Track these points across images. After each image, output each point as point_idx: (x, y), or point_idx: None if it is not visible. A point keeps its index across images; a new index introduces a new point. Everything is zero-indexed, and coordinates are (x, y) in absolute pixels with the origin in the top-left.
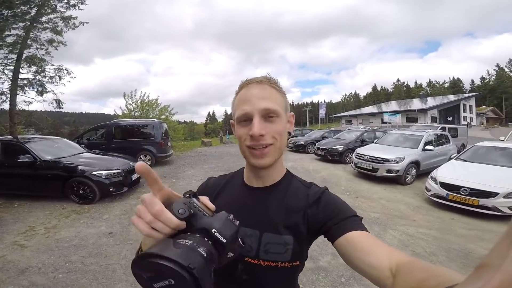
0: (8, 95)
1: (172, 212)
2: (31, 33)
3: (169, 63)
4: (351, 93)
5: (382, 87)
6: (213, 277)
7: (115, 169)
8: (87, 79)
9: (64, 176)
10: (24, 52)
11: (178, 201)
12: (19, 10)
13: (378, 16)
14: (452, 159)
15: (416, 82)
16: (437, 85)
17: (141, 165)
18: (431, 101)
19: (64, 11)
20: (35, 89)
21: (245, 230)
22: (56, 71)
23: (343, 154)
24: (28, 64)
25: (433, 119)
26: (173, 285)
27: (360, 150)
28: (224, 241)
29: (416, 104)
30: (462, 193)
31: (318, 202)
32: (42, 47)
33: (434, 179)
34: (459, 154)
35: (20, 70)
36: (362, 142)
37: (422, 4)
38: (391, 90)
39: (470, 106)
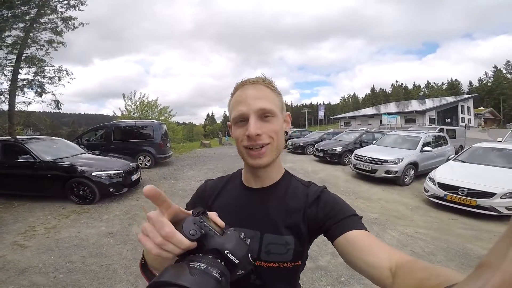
0: (7, 96)
1: (182, 232)
2: (31, 34)
3: (168, 64)
4: (350, 94)
5: (380, 88)
6: None
7: (115, 170)
8: (86, 80)
9: (64, 176)
10: (24, 52)
11: (188, 221)
12: (19, 10)
13: (376, 17)
14: (450, 160)
15: (414, 84)
16: (435, 87)
17: (149, 189)
18: (429, 103)
19: (64, 12)
20: (34, 90)
21: (245, 231)
22: (56, 72)
23: (342, 156)
24: (27, 65)
25: (432, 121)
26: None
27: (359, 152)
28: (237, 262)
29: (414, 105)
30: (460, 193)
31: (317, 201)
32: (42, 47)
33: (432, 180)
34: (457, 155)
35: (20, 70)
36: (361, 144)
37: (420, 5)
38: (389, 92)
39: (468, 108)
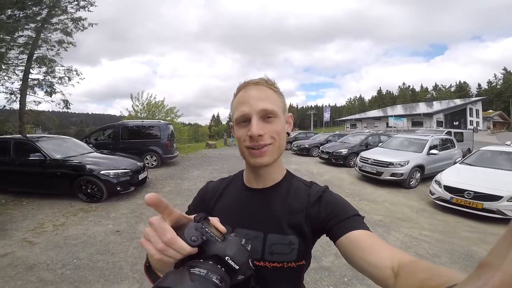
0: (18, 95)
1: (183, 238)
2: (42, 34)
3: (174, 65)
4: (356, 96)
5: (387, 90)
6: None
7: (123, 169)
8: (94, 80)
9: (73, 174)
10: (35, 52)
11: (190, 227)
12: (31, 11)
13: (383, 19)
14: (457, 163)
15: (422, 86)
16: (443, 89)
17: (151, 197)
18: (437, 105)
19: (74, 13)
20: (44, 90)
21: (248, 232)
22: (66, 72)
23: (347, 158)
24: (38, 65)
25: (439, 123)
26: None
27: (364, 154)
28: (237, 268)
29: (422, 108)
30: (466, 196)
31: (319, 201)
32: (53, 48)
33: (438, 183)
34: (464, 158)
35: (31, 70)
36: (367, 146)
37: (427, 7)
38: (396, 94)
39: (477, 110)
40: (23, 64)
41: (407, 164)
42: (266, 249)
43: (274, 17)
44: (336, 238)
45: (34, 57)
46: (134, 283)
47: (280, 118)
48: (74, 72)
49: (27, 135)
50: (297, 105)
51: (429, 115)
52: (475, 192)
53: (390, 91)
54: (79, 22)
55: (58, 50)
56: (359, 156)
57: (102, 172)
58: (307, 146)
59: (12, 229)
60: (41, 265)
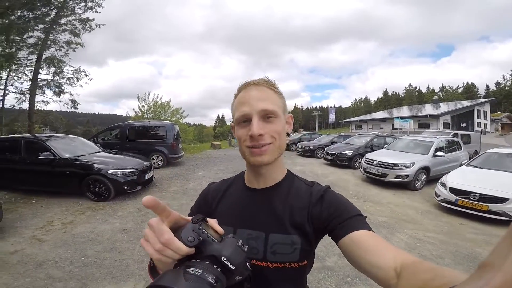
0: (28, 95)
1: (181, 239)
2: (50, 35)
3: (180, 65)
4: (361, 97)
5: (393, 92)
6: None
7: (130, 168)
8: (100, 81)
9: (81, 173)
10: (44, 53)
11: (187, 228)
12: (39, 12)
13: (388, 19)
14: (463, 165)
15: (428, 87)
16: (451, 90)
17: (148, 200)
18: (443, 107)
19: (81, 13)
20: (53, 90)
21: (250, 232)
22: (74, 73)
23: (352, 159)
24: (47, 65)
25: (446, 125)
26: None
27: (369, 155)
28: (233, 268)
29: (428, 109)
30: (471, 198)
31: (321, 201)
32: (61, 48)
33: (444, 185)
34: (470, 161)
35: (40, 71)
36: (372, 148)
37: (433, 7)
38: (402, 95)
39: (485, 112)
40: (32, 64)
41: (413, 166)
42: (268, 249)
43: (280, 18)
44: (338, 238)
45: (43, 58)
46: (141, 281)
47: (280, 118)
48: (83, 73)
49: (36, 135)
50: (302, 106)
51: (436, 117)
52: (480, 194)
53: (396, 92)
54: (86, 23)
55: (67, 50)
56: (364, 157)
57: (109, 171)
58: (311, 147)
59: (22, 226)
60: (50, 262)
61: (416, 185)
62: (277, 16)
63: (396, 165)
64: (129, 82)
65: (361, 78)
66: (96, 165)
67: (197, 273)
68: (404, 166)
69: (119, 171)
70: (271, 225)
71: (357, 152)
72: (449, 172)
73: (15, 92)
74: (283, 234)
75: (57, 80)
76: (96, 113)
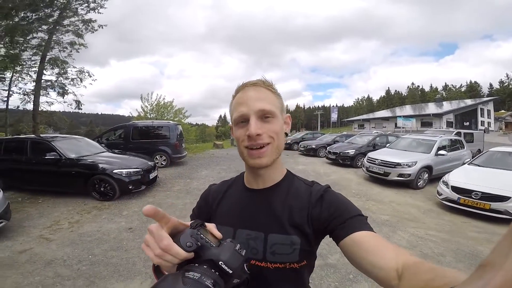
0: (32, 96)
1: (179, 244)
2: (54, 36)
3: (182, 65)
4: (364, 96)
5: (396, 91)
6: None
7: (134, 168)
8: (103, 81)
9: (86, 173)
10: (48, 54)
11: (186, 234)
12: (43, 13)
13: (390, 18)
14: (465, 164)
15: (431, 86)
16: (454, 89)
17: (148, 209)
18: (447, 106)
19: (84, 14)
20: (57, 91)
21: (249, 233)
22: (78, 73)
23: (354, 158)
24: (51, 66)
25: (449, 124)
26: None
27: (371, 154)
28: (231, 272)
29: (431, 108)
30: (473, 197)
31: (321, 201)
32: (65, 49)
33: (446, 183)
34: (472, 159)
35: (44, 71)
36: (374, 147)
37: (436, 6)
38: (405, 94)
39: (488, 111)
40: (36, 65)
41: (415, 164)
42: (268, 249)
43: (280, 17)
44: (339, 239)
45: (47, 59)
46: (147, 279)
47: (278, 118)
48: (86, 74)
49: (41, 135)
50: (304, 106)
51: (439, 116)
52: (482, 193)
53: (398, 91)
54: (89, 24)
55: (70, 51)
56: (366, 156)
57: (114, 171)
58: (314, 146)
59: (30, 226)
60: (58, 261)
61: (419, 184)
62: (278, 15)
63: (398, 164)
64: (131, 82)
65: (363, 77)
66: (101, 165)
67: (195, 277)
68: (406, 165)
69: (124, 170)
70: (270, 225)
71: (360, 151)
72: (452, 171)
73: (19, 93)
74: (282, 234)
75: (61, 81)
76: (99, 113)
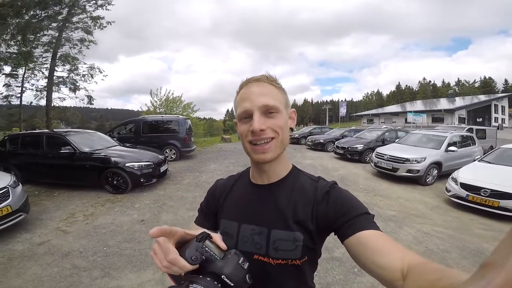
0: (45, 92)
1: (185, 257)
2: (64, 33)
3: (189, 60)
4: (373, 91)
5: (406, 85)
6: None
7: (146, 161)
8: (112, 76)
9: (100, 167)
10: (58, 51)
11: (191, 247)
12: (52, 10)
13: (401, 13)
14: (475, 160)
15: (443, 81)
16: (467, 85)
17: (154, 232)
18: (459, 101)
19: (92, 11)
20: (68, 87)
21: (253, 228)
22: (89, 70)
23: (363, 153)
24: (62, 63)
25: (461, 120)
26: None
27: (380, 150)
28: (232, 285)
29: (443, 104)
30: (482, 194)
31: (327, 198)
32: (75, 46)
33: (455, 180)
34: (483, 156)
35: (56, 68)
36: (383, 142)
37: (449, 0)
38: (416, 89)
39: (503, 107)
40: (47, 62)
41: (424, 160)
42: (270, 245)
43: (287, 11)
44: (344, 238)
45: (58, 55)
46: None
47: (282, 113)
48: (97, 70)
49: (54, 130)
50: (312, 100)
51: (451, 111)
52: (492, 190)
53: (409, 86)
54: (98, 21)
55: (80, 48)
56: (375, 151)
57: (127, 164)
58: (322, 141)
59: (47, 218)
60: (75, 253)
61: (427, 180)
62: (283, 9)
63: (407, 160)
64: (140, 78)
65: (373, 71)
66: (113, 159)
67: None
68: (416, 160)
69: (135, 164)
70: (274, 221)
71: (368, 146)
72: (462, 167)
73: (31, 89)
74: (285, 230)
75: (72, 77)
76: (109, 108)
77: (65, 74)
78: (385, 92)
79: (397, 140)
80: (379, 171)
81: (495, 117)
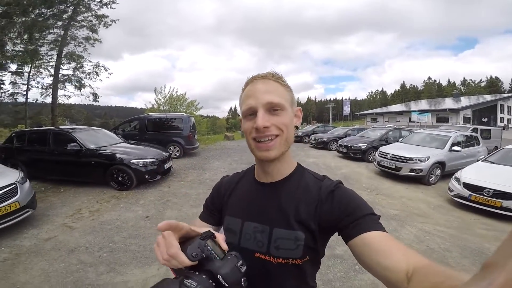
0: (50, 90)
1: (185, 253)
2: (69, 32)
3: (193, 58)
4: (377, 90)
5: (411, 85)
6: None
7: (150, 158)
8: (116, 74)
9: (105, 163)
10: (64, 49)
11: (194, 244)
12: (57, 9)
13: (407, 11)
14: (479, 161)
15: (449, 81)
16: (473, 84)
17: (162, 225)
18: (464, 101)
19: (97, 10)
20: (74, 84)
21: (256, 226)
22: (94, 68)
23: (366, 152)
24: (68, 61)
25: (466, 120)
26: None
27: (383, 149)
28: (226, 285)
29: (448, 103)
30: (485, 194)
31: (331, 197)
32: (80, 44)
33: (458, 180)
34: (487, 156)
35: (61, 66)
36: (387, 141)
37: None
38: (421, 88)
39: (509, 107)
40: (53, 60)
41: (427, 160)
42: (272, 243)
43: (291, 8)
44: (349, 239)
45: (63, 53)
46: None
47: (287, 111)
48: (102, 68)
49: (60, 127)
50: (315, 98)
51: (456, 111)
52: (494, 190)
53: (414, 85)
54: (102, 19)
55: (85, 46)
56: (378, 150)
57: (132, 161)
58: (325, 139)
59: (53, 215)
60: (81, 248)
61: (430, 179)
62: (288, 7)
63: (410, 159)
64: (144, 76)
65: (377, 70)
66: (119, 155)
67: (192, 285)
68: (419, 160)
69: (140, 161)
70: (276, 219)
71: (371, 145)
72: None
73: (37, 87)
74: (287, 229)
75: (77, 75)
76: (113, 105)
77: (70, 72)
78: (390, 91)
79: (401, 139)
80: (382, 170)
81: (501, 117)
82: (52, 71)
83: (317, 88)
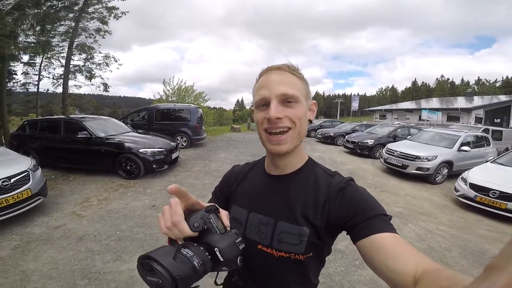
0: (61, 80)
1: (188, 223)
2: (80, 23)
3: (202, 50)
4: (388, 86)
5: (423, 82)
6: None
7: (158, 148)
8: (125, 65)
9: (114, 152)
10: (75, 40)
11: (197, 215)
12: (68, 1)
13: (421, 7)
14: (488, 162)
15: (462, 79)
16: (487, 84)
17: (172, 187)
18: (477, 100)
19: (107, 1)
20: (84, 75)
21: (261, 218)
22: (104, 59)
23: (373, 149)
24: (79, 52)
25: (478, 120)
26: (160, 284)
27: (391, 146)
28: (222, 260)
29: (460, 102)
30: (491, 195)
31: (342, 195)
32: (91, 36)
33: (465, 180)
34: (496, 158)
35: (72, 57)
36: (395, 138)
37: None
38: (433, 86)
39: None
40: (64, 51)
41: (435, 159)
42: (275, 236)
43: (302, 2)
44: (357, 239)
45: (74, 45)
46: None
47: (302, 103)
48: (112, 59)
49: (70, 116)
50: (323, 93)
51: (468, 110)
52: (500, 192)
53: (426, 83)
54: (113, 11)
55: (96, 37)
56: (385, 147)
57: (140, 150)
58: (332, 134)
59: (63, 203)
60: (89, 237)
61: (437, 179)
62: (299, 1)
63: (417, 157)
64: (153, 67)
65: (388, 66)
66: (127, 144)
67: (187, 254)
68: (426, 158)
69: (148, 150)
70: (282, 213)
71: (379, 142)
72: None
73: (48, 77)
74: (292, 224)
75: (88, 65)
76: (122, 95)
77: (81, 63)
78: (400, 88)
79: (409, 137)
80: (388, 167)
81: None
82: (63, 61)
83: (325, 82)
